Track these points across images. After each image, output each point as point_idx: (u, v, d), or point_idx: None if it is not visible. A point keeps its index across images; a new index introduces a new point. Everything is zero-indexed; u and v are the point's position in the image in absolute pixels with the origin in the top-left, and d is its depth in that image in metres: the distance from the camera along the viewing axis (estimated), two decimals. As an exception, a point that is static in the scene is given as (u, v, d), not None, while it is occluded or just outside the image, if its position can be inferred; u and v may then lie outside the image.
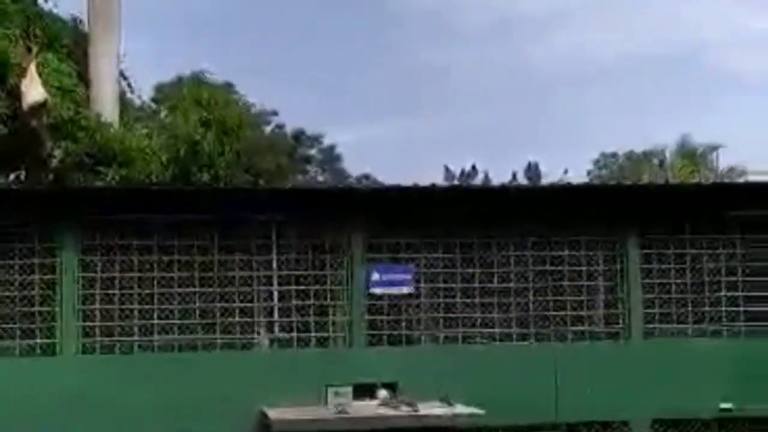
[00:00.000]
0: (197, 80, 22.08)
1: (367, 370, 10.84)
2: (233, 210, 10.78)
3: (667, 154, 34.86)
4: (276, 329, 11.04)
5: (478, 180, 43.93)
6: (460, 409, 10.23)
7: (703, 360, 11.29)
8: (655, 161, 37.99)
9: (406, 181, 10.81)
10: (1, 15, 16.06)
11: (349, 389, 10.70)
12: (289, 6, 77.10)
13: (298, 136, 40.70)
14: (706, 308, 11.58)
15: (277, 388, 10.49)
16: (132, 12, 20.30)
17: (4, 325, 10.52)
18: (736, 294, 11.61)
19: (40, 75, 15.85)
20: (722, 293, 11.60)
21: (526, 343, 11.32)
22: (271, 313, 11.05)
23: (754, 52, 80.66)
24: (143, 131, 18.73)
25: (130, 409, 10.30)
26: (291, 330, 11.01)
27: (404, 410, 10.18)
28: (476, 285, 11.29)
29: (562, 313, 11.41)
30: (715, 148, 34.30)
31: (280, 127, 37.84)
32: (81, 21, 19.76)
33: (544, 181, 16.79)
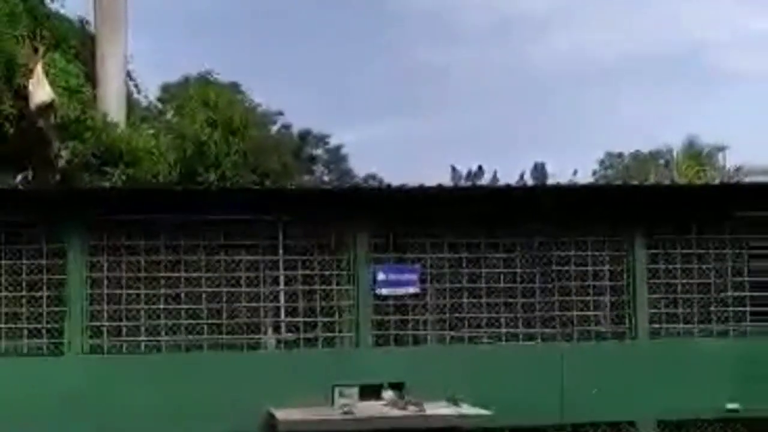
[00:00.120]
0: (203, 80, 22.09)
1: (373, 370, 10.85)
2: (240, 210, 10.79)
3: (674, 154, 34.79)
4: (283, 329, 11.06)
5: (485, 180, 43.87)
6: (467, 409, 10.23)
7: (710, 360, 11.29)
8: (662, 161, 37.94)
9: (413, 181, 10.83)
10: (9, 15, 16.08)
11: (356, 389, 10.71)
12: (293, 6, 77.14)
13: (305, 136, 40.72)
14: (713, 308, 11.57)
15: (283, 388, 10.50)
16: (138, 12, 20.35)
17: (12, 325, 10.55)
18: (743, 294, 11.60)
19: (47, 75, 15.88)
20: (729, 293, 11.59)
21: (532, 343, 11.33)
22: (277, 314, 11.06)
23: (759, 52, 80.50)
24: (150, 131, 18.77)
25: (136, 409, 10.31)
26: (297, 330, 11.02)
27: (411, 410, 10.18)
28: (482, 285, 11.29)
29: (568, 313, 11.41)
30: (721, 148, 34.23)
31: (286, 127, 37.87)
32: (88, 22, 19.82)
33: (551, 181, 16.77)
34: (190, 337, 10.79)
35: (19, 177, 16.52)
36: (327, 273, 11.07)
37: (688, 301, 11.53)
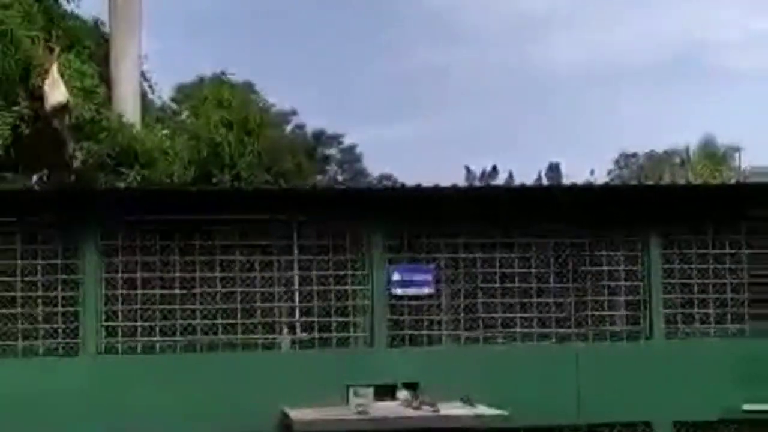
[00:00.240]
0: (218, 81, 22.10)
1: (388, 370, 10.85)
2: (254, 210, 10.81)
3: (689, 154, 34.69)
4: (297, 330, 11.06)
5: (500, 180, 43.87)
6: (482, 409, 10.21)
7: (726, 361, 11.25)
8: (677, 161, 37.83)
9: (427, 181, 10.83)
10: (24, 16, 16.12)
11: (371, 390, 10.69)
12: (304, 6, 77.23)
13: (318, 135, 40.75)
14: (729, 309, 11.53)
15: (298, 388, 10.51)
16: (152, 13, 20.38)
17: (28, 325, 10.58)
18: (759, 294, 11.54)
19: (62, 76, 15.91)
20: (744, 294, 11.54)
21: (547, 343, 11.31)
22: (292, 314, 11.07)
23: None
24: (165, 132, 18.79)
25: (150, 409, 10.33)
26: (312, 330, 11.03)
27: (425, 411, 10.17)
28: (497, 285, 11.28)
29: (583, 313, 11.38)
30: (737, 149, 34.15)
31: (300, 127, 37.93)
32: (102, 22, 19.83)
33: (566, 181, 16.76)
34: (205, 337, 10.81)
35: (35, 178, 16.57)
36: (341, 273, 11.07)
37: (703, 301, 11.49)
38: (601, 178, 35.47)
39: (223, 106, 19.92)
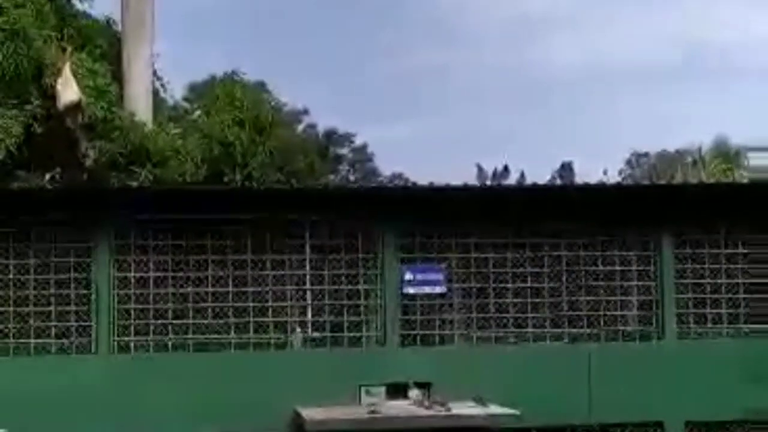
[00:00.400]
0: (230, 80, 22.11)
1: (400, 369, 10.85)
2: (266, 209, 10.81)
3: (701, 153, 34.58)
4: (309, 329, 11.07)
5: (512, 180, 43.82)
6: (494, 409, 10.20)
7: (739, 361, 11.21)
8: (689, 159, 37.72)
9: (439, 180, 10.82)
10: (37, 15, 16.16)
11: (382, 389, 10.71)
12: (318, 5, 77.27)
13: (330, 135, 40.75)
14: (741, 309, 11.50)
15: (310, 387, 10.52)
16: (164, 12, 20.41)
17: (41, 323, 10.61)
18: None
19: (74, 75, 15.95)
20: (758, 294, 11.51)
21: (559, 343, 11.29)
22: (304, 313, 11.08)
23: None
24: (176, 131, 18.81)
25: (162, 408, 10.35)
26: (324, 330, 11.03)
27: (437, 410, 10.17)
28: (509, 285, 11.27)
29: (595, 313, 11.36)
30: (750, 148, 34.00)
31: (312, 126, 37.93)
32: (114, 21, 19.88)
33: (578, 180, 16.70)
34: (217, 336, 10.82)
35: (47, 176, 16.60)
36: (353, 272, 11.08)
37: (716, 301, 11.46)
38: (612, 177, 35.44)
39: (234, 106, 19.92)
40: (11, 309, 10.57)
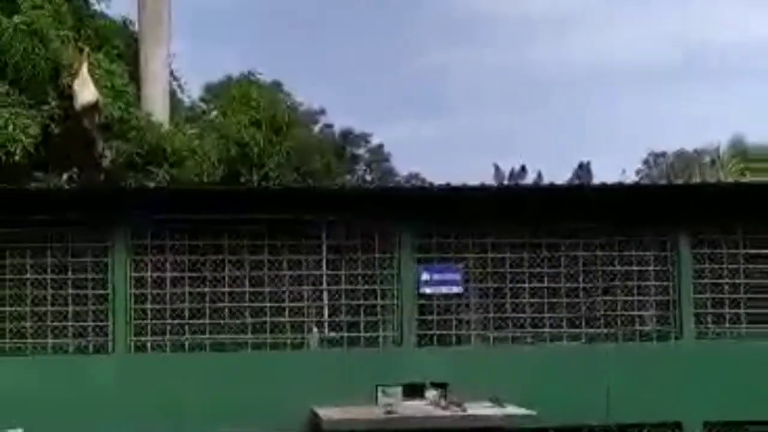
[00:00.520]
0: (246, 80, 22.13)
1: (416, 370, 10.84)
2: (283, 210, 10.81)
3: (719, 153, 34.44)
4: (326, 329, 11.06)
5: (529, 180, 43.71)
6: (511, 409, 10.18)
7: (758, 362, 11.16)
8: (707, 159, 37.59)
9: (456, 180, 10.79)
10: (54, 16, 16.21)
11: (399, 389, 10.70)
12: (332, 4, 77.28)
13: (346, 135, 40.74)
14: (760, 309, 11.43)
15: (327, 387, 10.52)
16: (180, 12, 20.44)
17: (58, 323, 10.63)
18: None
19: (92, 76, 15.99)
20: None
21: (576, 343, 11.26)
22: (321, 313, 11.07)
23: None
24: (193, 131, 18.83)
25: (179, 408, 10.37)
26: (341, 330, 11.03)
27: (453, 410, 10.15)
28: (526, 285, 11.25)
29: (613, 313, 11.33)
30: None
31: (328, 126, 37.92)
32: (131, 22, 19.92)
33: (596, 181, 16.66)
34: (234, 336, 10.83)
35: (65, 176, 16.65)
36: (370, 272, 11.07)
37: (735, 301, 11.41)
38: (630, 177, 35.32)
39: (251, 106, 19.94)
40: (29, 308, 10.60)
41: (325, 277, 11.08)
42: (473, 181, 10.89)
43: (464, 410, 10.11)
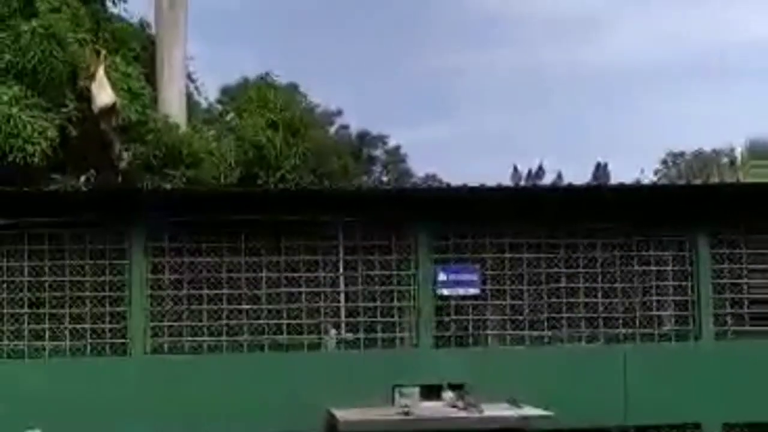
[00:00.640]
0: (263, 82, 22.16)
1: (433, 371, 10.82)
2: (300, 211, 10.81)
3: (738, 153, 34.32)
4: (343, 330, 11.06)
5: (547, 180, 43.58)
6: (528, 410, 10.15)
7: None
8: (725, 160, 37.48)
9: (473, 181, 10.76)
10: (72, 19, 16.27)
11: (416, 390, 10.68)
12: (349, 6, 77.29)
13: (363, 136, 40.72)
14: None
15: (344, 388, 10.51)
16: (197, 14, 20.47)
17: (76, 325, 10.66)
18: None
19: (109, 78, 16.05)
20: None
21: (594, 344, 11.21)
22: (337, 314, 11.07)
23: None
24: (211, 133, 18.88)
25: (196, 409, 10.38)
26: (358, 331, 11.02)
27: (470, 412, 10.12)
28: (543, 286, 11.21)
29: (631, 314, 11.28)
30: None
31: (345, 127, 37.92)
32: (149, 24, 19.98)
33: (614, 181, 16.63)
34: (252, 337, 10.84)
35: (82, 178, 16.71)
36: (387, 274, 11.06)
37: (755, 301, 11.34)
38: (648, 177, 35.22)
39: (268, 108, 19.96)
40: (47, 311, 10.63)
41: (342, 279, 11.07)
42: (490, 182, 10.87)
43: (481, 411, 10.09)
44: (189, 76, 20.62)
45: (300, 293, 10.97)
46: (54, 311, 10.64)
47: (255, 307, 10.88)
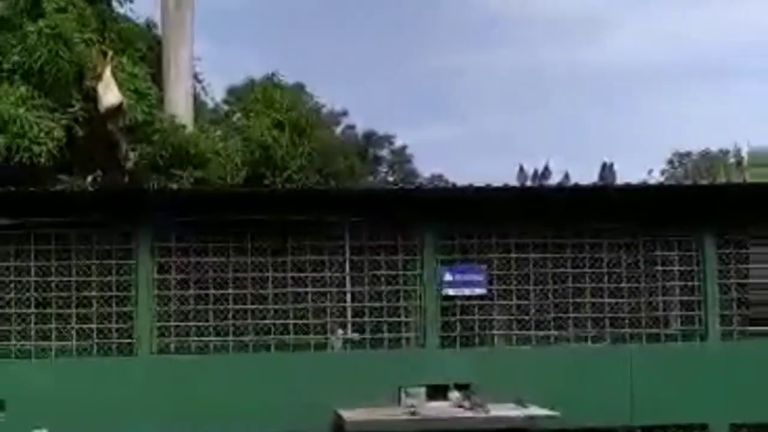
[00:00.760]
0: (269, 83, 22.15)
1: (440, 371, 10.82)
2: (306, 211, 10.82)
3: (744, 153, 34.30)
4: (349, 330, 11.06)
5: (554, 180, 43.55)
6: (534, 410, 10.14)
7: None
8: (732, 160, 37.45)
9: (479, 181, 10.76)
10: (78, 19, 16.29)
11: (422, 390, 10.68)
12: (355, 5, 77.32)
13: (369, 136, 40.73)
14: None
15: (350, 388, 10.51)
16: (203, 14, 20.47)
17: (83, 325, 10.68)
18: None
19: (115, 79, 16.06)
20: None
21: (600, 344, 11.20)
22: (344, 315, 11.07)
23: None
24: (217, 133, 18.87)
25: (204, 409, 10.39)
26: (364, 331, 11.02)
27: (477, 412, 10.12)
28: (549, 286, 11.21)
29: (637, 314, 11.27)
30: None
31: (351, 127, 37.95)
32: (155, 24, 19.97)
33: (619, 181, 16.62)
34: (258, 337, 10.84)
35: (89, 179, 16.73)
36: (393, 274, 11.06)
37: (762, 302, 11.32)
38: (655, 177, 35.18)
39: (274, 108, 19.95)
40: (53, 311, 10.65)
41: (348, 279, 11.08)
42: (496, 182, 10.87)
43: (487, 411, 10.09)
44: (195, 77, 20.60)
45: (306, 293, 10.98)
46: (60, 311, 10.66)
47: (261, 307, 10.89)
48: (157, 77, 18.55)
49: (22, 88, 15.37)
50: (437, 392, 10.71)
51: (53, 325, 10.63)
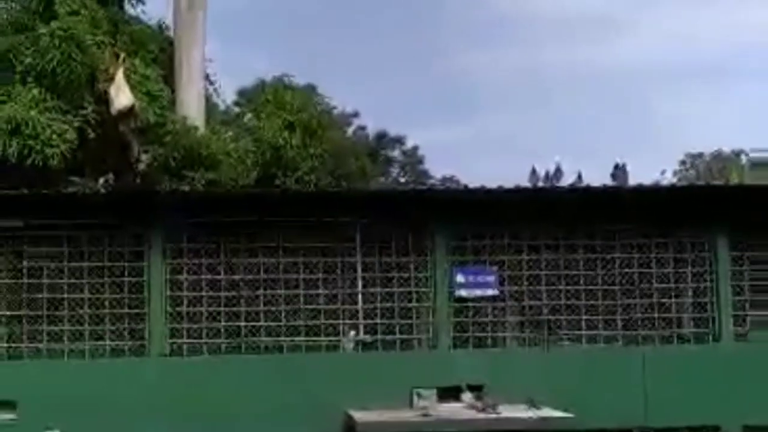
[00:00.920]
0: (280, 84, 22.13)
1: (452, 372, 10.81)
2: (318, 212, 10.82)
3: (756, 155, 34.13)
4: (361, 331, 11.05)
5: (566, 181, 43.45)
6: (547, 412, 10.12)
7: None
8: (744, 161, 37.29)
9: (491, 182, 10.75)
10: (91, 22, 16.31)
11: (434, 392, 10.67)
12: (367, 7, 77.31)
13: (381, 137, 40.70)
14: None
15: (362, 390, 10.51)
16: (215, 16, 20.45)
17: (95, 327, 10.69)
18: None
19: (127, 81, 16.08)
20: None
21: (613, 345, 11.17)
22: (355, 316, 11.06)
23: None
24: (229, 135, 18.87)
25: (216, 410, 10.40)
26: (376, 332, 11.01)
27: (489, 413, 10.10)
28: (562, 287, 11.18)
29: (650, 315, 11.24)
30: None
31: (362, 128, 37.92)
32: (167, 26, 19.97)
33: (632, 181, 16.55)
34: (269, 338, 10.85)
35: (101, 180, 16.75)
36: (405, 275, 11.05)
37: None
38: (667, 178, 35.07)
39: (285, 110, 19.94)
40: (66, 312, 10.67)
41: (359, 280, 11.07)
42: (508, 184, 10.85)
43: (500, 413, 10.07)
44: (207, 78, 20.61)
45: (318, 295, 10.98)
46: (73, 313, 10.68)
47: (273, 308, 10.89)
48: (169, 79, 18.54)
49: (35, 91, 15.39)
50: (449, 393, 10.70)
51: (66, 327, 10.65)
